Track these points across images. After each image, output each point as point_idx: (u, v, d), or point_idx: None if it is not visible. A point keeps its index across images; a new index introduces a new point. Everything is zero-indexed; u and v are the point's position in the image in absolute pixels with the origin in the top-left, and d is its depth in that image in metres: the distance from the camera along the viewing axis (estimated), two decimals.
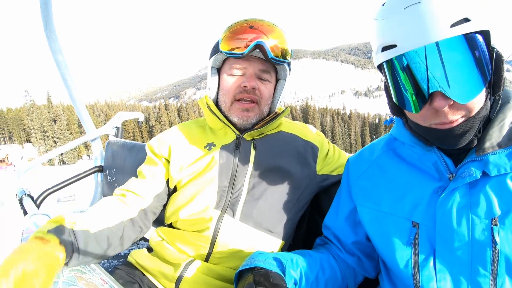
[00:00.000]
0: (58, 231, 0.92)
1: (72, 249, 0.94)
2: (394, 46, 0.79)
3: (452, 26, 0.73)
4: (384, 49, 0.82)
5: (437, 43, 0.73)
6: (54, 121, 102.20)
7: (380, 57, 0.84)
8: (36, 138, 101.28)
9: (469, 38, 0.74)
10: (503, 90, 0.84)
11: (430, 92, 0.77)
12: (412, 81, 0.79)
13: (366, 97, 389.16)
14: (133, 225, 1.21)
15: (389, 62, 0.82)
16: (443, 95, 0.76)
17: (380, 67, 0.89)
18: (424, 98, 0.78)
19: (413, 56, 0.77)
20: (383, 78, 0.90)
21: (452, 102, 0.77)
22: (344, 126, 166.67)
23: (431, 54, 0.74)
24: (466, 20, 0.73)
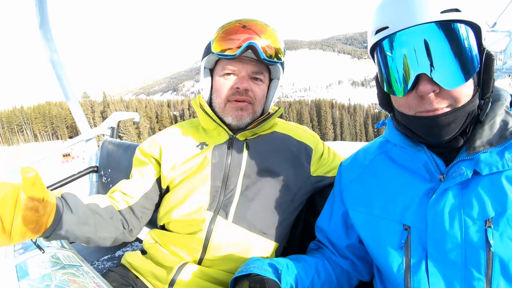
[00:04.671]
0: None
1: (62, 206, 0.94)
2: (386, 27, 0.81)
3: (442, 12, 0.75)
4: (377, 32, 0.83)
5: (426, 25, 0.75)
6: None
7: (372, 40, 0.85)
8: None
9: (458, 26, 0.76)
10: (492, 92, 0.84)
11: (416, 74, 0.78)
12: (399, 62, 0.80)
13: (363, 86, 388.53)
14: (120, 215, 1.22)
15: (380, 45, 0.83)
16: (429, 79, 0.77)
17: (373, 54, 0.90)
18: (410, 81, 0.79)
19: (401, 37, 0.79)
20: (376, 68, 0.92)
21: (437, 90, 0.78)
22: (351, 118, 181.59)
23: (419, 36, 0.77)
24: (457, 10, 0.75)
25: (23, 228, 0.76)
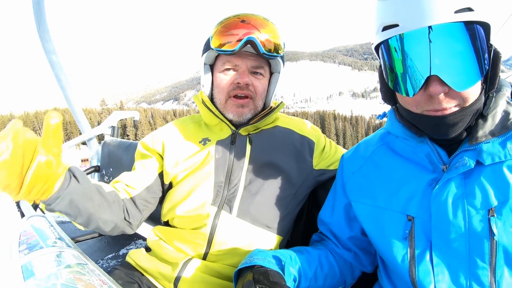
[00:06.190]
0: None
1: (69, 175, 0.95)
2: (396, 25, 0.78)
3: (456, 12, 0.73)
4: (385, 28, 0.81)
5: (439, 26, 0.73)
6: (135, 127, 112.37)
7: (380, 37, 0.83)
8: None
9: (471, 27, 0.74)
10: (497, 88, 0.84)
11: (428, 76, 0.76)
12: (410, 63, 0.78)
13: (363, 98, 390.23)
14: (122, 202, 1.21)
15: (388, 42, 0.81)
16: (439, 80, 0.76)
17: (377, 49, 0.88)
18: (420, 81, 0.77)
19: (413, 37, 0.76)
20: (379, 64, 0.90)
21: (447, 90, 0.77)
22: (353, 129, 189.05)
23: (432, 37, 0.74)
24: (470, 9, 0.74)
25: (33, 183, 0.76)
